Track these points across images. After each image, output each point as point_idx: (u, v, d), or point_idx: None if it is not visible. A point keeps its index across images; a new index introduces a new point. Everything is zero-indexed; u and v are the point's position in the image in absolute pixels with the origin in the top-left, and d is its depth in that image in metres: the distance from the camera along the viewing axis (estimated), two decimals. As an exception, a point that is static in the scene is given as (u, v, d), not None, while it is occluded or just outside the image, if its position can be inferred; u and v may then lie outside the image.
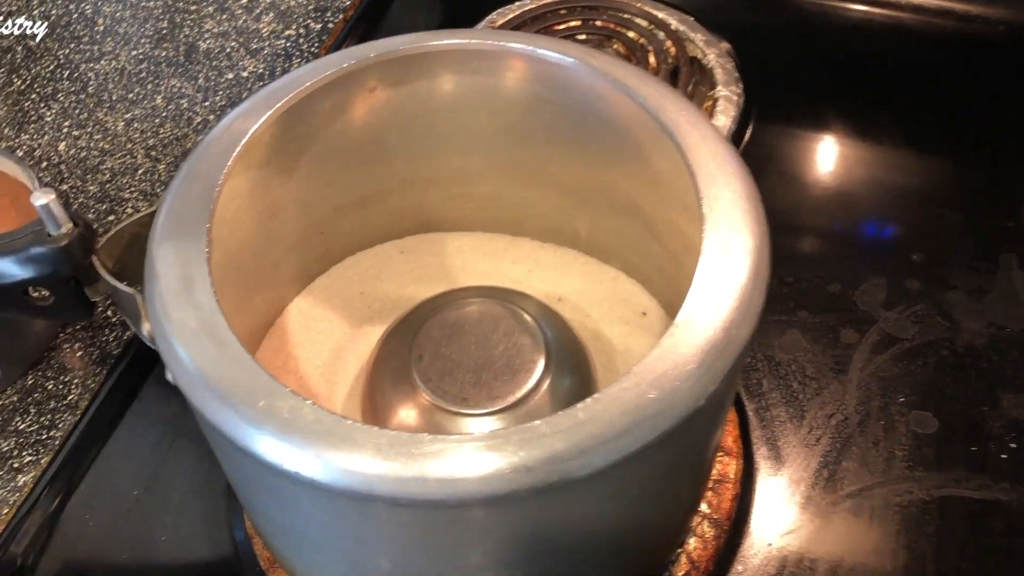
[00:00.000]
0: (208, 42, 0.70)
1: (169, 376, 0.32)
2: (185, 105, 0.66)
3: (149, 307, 0.32)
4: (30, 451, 0.49)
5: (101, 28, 0.72)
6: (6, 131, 0.65)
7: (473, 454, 0.27)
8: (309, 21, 0.71)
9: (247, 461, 0.29)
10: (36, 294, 0.38)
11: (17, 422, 0.50)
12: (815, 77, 0.64)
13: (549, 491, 0.28)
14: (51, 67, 0.69)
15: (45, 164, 0.63)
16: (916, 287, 0.51)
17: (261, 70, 0.68)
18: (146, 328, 0.34)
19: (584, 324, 0.45)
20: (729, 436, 0.46)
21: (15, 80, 0.68)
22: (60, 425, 0.50)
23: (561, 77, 0.40)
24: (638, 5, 0.66)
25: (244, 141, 0.36)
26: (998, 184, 0.57)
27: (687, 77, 0.61)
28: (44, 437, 0.50)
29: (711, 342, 0.30)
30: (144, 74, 0.68)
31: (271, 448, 0.28)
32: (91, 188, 0.61)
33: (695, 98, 0.60)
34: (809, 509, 0.44)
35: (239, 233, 0.40)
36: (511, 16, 0.66)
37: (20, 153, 0.63)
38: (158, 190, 0.61)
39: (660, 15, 0.65)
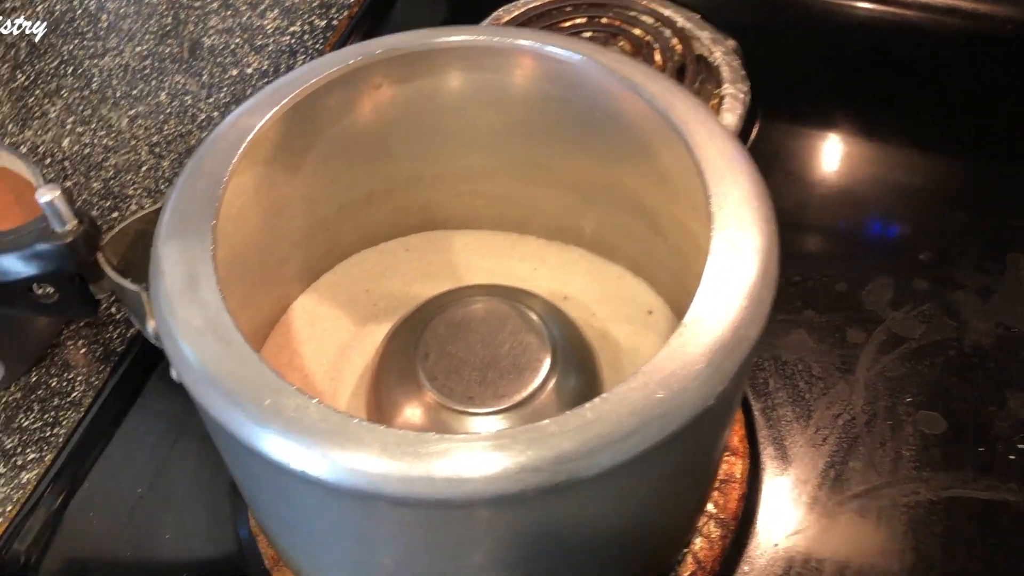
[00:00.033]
0: (212, 38, 0.70)
1: (174, 374, 0.32)
2: (189, 102, 0.66)
3: (154, 304, 0.32)
4: (34, 448, 0.49)
5: (105, 24, 0.72)
6: (10, 127, 0.65)
7: (480, 454, 0.27)
8: (314, 18, 0.71)
9: (253, 460, 0.29)
10: (40, 291, 0.38)
11: (21, 419, 0.50)
12: (822, 75, 0.64)
13: (556, 491, 0.28)
14: (55, 63, 0.69)
15: (49, 160, 0.63)
16: (923, 287, 0.51)
17: (265, 67, 0.68)
18: (151, 325, 0.33)
19: (590, 323, 0.45)
20: (735, 436, 0.46)
21: (19, 76, 0.68)
22: (64, 422, 0.50)
23: (569, 74, 0.39)
24: (644, 2, 0.65)
25: (250, 138, 0.36)
26: (1006, 183, 0.56)
27: (693, 75, 0.60)
28: (48, 434, 0.49)
29: (720, 342, 0.30)
30: (148, 70, 0.68)
31: (277, 447, 0.28)
32: (95, 185, 0.61)
33: (701, 96, 0.59)
34: (816, 509, 0.44)
35: (244, 230, 0.39)
36: (516, 13, 0.66)
37: (24, 149, 0.63)
38: (162, 187, 0.60)
39: (666, 12, 0.65)
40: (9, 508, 0.47)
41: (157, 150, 0.63)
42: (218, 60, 0.68)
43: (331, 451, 0.27)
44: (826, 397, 0.47)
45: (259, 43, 0.69)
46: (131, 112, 0.65)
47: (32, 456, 0.49)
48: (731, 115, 0.58)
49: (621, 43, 0.64)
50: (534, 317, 0.41)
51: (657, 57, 0.62)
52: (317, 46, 0.69)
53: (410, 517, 0.30)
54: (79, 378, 0.52)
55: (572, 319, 0.44)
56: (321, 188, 0.44)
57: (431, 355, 0.40)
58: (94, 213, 0.59)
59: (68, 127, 0.65)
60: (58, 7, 0.72)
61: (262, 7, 0.72)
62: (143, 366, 0.51)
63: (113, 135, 0.64)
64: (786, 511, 0.44)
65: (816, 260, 0.53)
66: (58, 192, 0.34)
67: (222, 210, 0.34)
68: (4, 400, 0.51)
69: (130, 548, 0.45)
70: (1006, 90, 0.61)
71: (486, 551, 0.32)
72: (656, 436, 0.28)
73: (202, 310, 0.31)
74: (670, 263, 0.43)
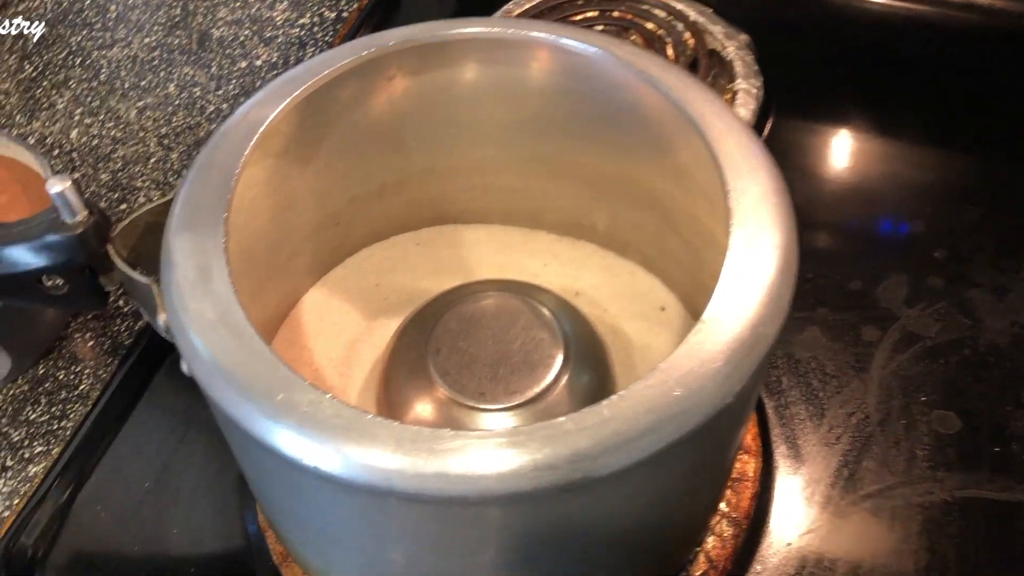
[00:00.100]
0: (221, 30, 0.70)
1: (185, 367, 0.31)
2: (198, 93, 0.65)
3: (166, 297, 0.32)
4: (41, 441, 0.49)
5: (113, 15, 0.71)
6: (18, 118, 0.65)
7: (495, 451, 0.27)
8: (324, 9, 0.70)
9: (265, 455, 0.29)
10: (50, 283, 0.38)
11: (28, 412, 0.50)
12: (836, 71, 0.63)
13: (571, 489, 0.27)
14: (63, 54, 0.69)
15: (57, 152, 0.62)
16: (938, 284, 0.51)
17: (275, 59, 0.67)
18: (162, 318, 0.33)
19: (602, 319, 0.45)
20: (748, 434, 0.45)
21: (27, 67, 0.68)
22: (71, 415, 0.50)
23: (584, 67, 0.39)
24: (656, -4, 0.65)
25: (262, 129, 0.36)
26: (1021, 180, 0.56)
27: (706, 70, 0.60)
28: (55, 427, 0.49)
29: (738, 340, 0.29)
30: (157, 62, 0.68)
31: (290, 442, 0.28)
32: (103, 176, 0.61)
33: (714, 91, 0.59)
34: (829, 509, 0.43)
35: (255, 223, 0.39)
36: (527, 6, 0.65)
37: (32, 140, 0.63)
38: (171, 179, 0.60)
39: (678, 6, 0.64)
40: (16, 501, 0.47)
41: (166, 142, 0.62)
42: (227, 52, 0.68)
43: (345, 447, 0.27)
44: (840, 396, 0.47)
45: (268, 35, 0.69)
46: (139, 104, 0.65)
47: (39, 449, 0.48)
48: (744, 110, 0.57)
49: (633, 37, 0.63)
50: (546, 313, 0.41)
51: (669, 51, 0.62)
52: (327, 38, 0.68)
53: (423, 514, 0.29)
54: (87, 371, 0.51)
55: (584, 315, 0.43)
56: (333, 180, 0.43)
57: (442, 350, 0.40)
58: (102, 205, 0.59)
59: (76, 118, 0.64)
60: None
61: (271, -1, 0.72)
62: (151, 359, 0.51)
63: (121, 127, 0.63)
64: (799, 510, 0.43)
65: (830, 257, 0.53)
66: (69, 183, 0.34)
67: (234, 202, 0.34)
68: (11, 393, 0.51)
69: (137, 543, 0.45)
70: (1022, 86, 0.61)
71: (498, 548, 0.32)
72: (673, 435, 0.28)
73: (214, 303, 0.31)
74: (684, 259, 0.43)
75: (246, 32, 0.69)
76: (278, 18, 0.70)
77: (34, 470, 0.48)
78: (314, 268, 0.47)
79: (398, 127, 0.43)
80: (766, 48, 0.62)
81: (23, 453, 0.48)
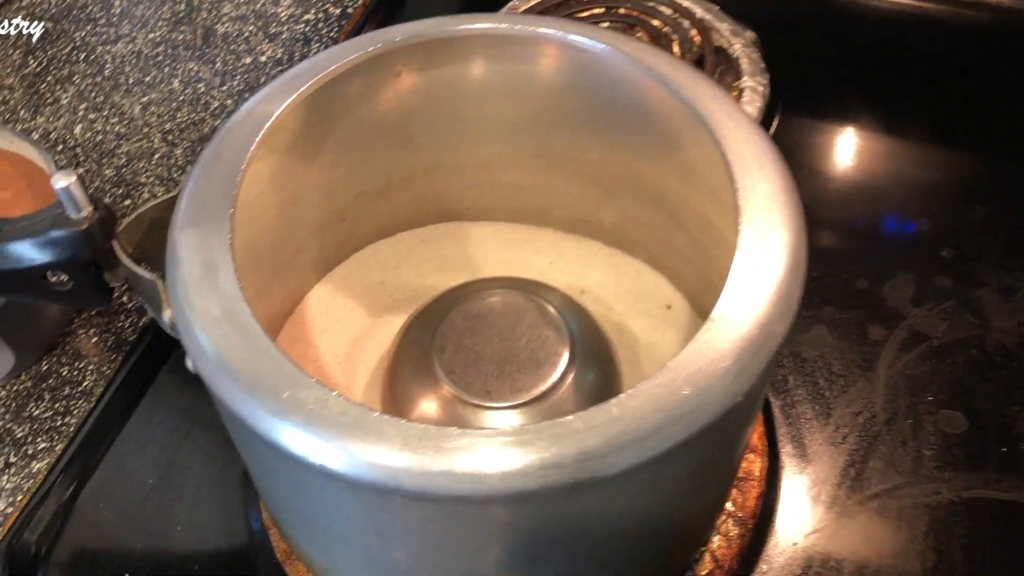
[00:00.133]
0: (226, 26, 0.69)
1: (190, 364, 0.31)
2: (202, 89, 0.65)
3: (171, 293, 0.32)
4: (44, 438, 0.49)
5: (118, 10, 0.71)
6: (22, 113, 0.64)
7: (503, 449, 0.27)
8: (328, 5, 0.70)
9: (270, 453, 0.29)
10: (55, 278, 0.37)
11: (32, 408, 0.50)
12: (842, 68, 0.63)
13: (579, 488, 0.27)
14: (67, 49, 0.69)
15: (61, 147, 0.62)
16: (946, 284, 0.50)
17: (280, 55, 0.67)
18: (167, 315, 0.33)
19: (608, 317, 0.45)
20: (754, 433, 0.45)
21: (31, 62, 0.68)
22: (75, 412, 0.49)
23: (591, 63, 0.39)
24: (662, -7, 0.65)
25: (268, 125, 0.36)
26: (1028, 179, 0.56)
27: (712, 67, 0.60)
28: (59, 424, 0.49)
29: (747, 338, 0.29)
30: (161, 57, 0.67)
31: (296, 440, 0.27)
32: (107, 172, 0.60)
33: (720, 88, 0.59)
34: (835, 508, 0.43)
35: (260, 219, 0.39)
36: (533, 2, 0.65)
37: (36, 136, 0.63)
38: (175, 175, 0.60)
39: (684, 3, 0.64)
40: (20, 498, 0.46)
41: (170, 138, 0.62)
42: (231, 48, 0.68)
43: (351, 445, 0.27)
44: (846, 395, 0.46)
45: (273, 31, 0.69)
46: (144, 99, 0.65)
47: (43, 445, 0.48)
48: (750, 108, 0.57)
49: (639, 34, 0.63)
50: (552, 310, 0.40)
51: (676, 48, 0.61)
52: (331, 34, 0.68)
53: (428, 512, 0.29)
54: (90, 367, 0.51)
55: (590, 313, 0.43)
56: (338, 177, 0.43)
57: (448, 348, 0.39)
58: (106, 200, 0.59)
59: (80, 114, 0.64)
60: (71, -7, 0.71)
61: (276, -5, 0.71)
62: (155, 356, 0.51)
63: (125, 122, 0.63)
64: (805, 510, 0.43)
65: (836, 256, 0.52)
66: (74, 178, 0.34)
67: (239, 199, 0.34)
68: (15, 389, 0.51)
69: (141, 539, 0.45)
70: (1030, 85, 0.61)
71: (504, 547, 0.31)
72: (682, 433, 0.28)
73: (220, 300, 0.30)
74: (690, 257, 0.42)
75: (250, 28, 0.69)
76: (282, 14, 0.70)
77: (38, 466, 0.48)
78: (319, 264, 0.47)
79: (404, 123, 0.43)
80: (772, 45, 0.61)
81: (27, 449, 0.48)
